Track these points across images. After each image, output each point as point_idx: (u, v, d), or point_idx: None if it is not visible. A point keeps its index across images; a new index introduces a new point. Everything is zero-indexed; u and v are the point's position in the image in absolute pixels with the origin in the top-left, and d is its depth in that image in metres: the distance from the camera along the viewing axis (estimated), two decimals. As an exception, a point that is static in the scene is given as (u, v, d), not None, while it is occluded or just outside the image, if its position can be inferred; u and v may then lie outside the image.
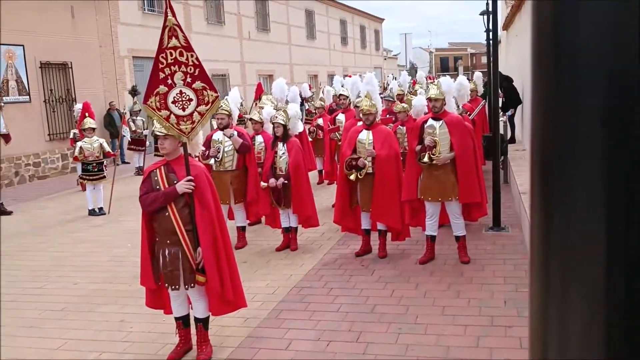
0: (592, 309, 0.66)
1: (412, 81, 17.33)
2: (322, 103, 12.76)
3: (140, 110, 15.11)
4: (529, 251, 0.74)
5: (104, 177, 10.83)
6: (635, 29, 0.62)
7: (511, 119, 14.26)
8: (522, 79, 14.18)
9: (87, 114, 10.97)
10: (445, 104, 6.69)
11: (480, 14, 18.39)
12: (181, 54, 4.52)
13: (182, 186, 4.51)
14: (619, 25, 0.62)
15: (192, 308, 4.85)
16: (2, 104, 11.50)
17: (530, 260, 0.74)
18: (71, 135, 13.43)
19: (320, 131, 11.65)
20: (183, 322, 4.84)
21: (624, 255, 0.64)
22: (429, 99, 6.75)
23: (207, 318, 4.84)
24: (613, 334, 0.65)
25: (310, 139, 11.47)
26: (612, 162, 0.64)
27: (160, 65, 4.53)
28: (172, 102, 4.56)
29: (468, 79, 14.49)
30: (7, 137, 11.47)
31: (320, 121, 11.86)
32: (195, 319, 4.82)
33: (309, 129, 11.67)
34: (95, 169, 10.69)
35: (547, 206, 0.70)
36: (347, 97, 10.96)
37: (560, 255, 0.68)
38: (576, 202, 0.66)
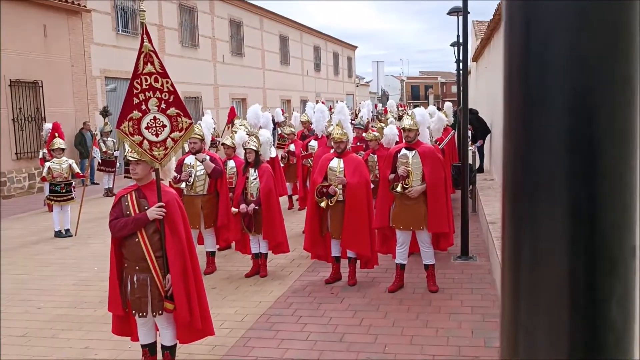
0: (557, 339, 0.69)
1: (383, 109, 17.54)
2: (293, 130, 12.84)
3: (111, 131, 15.00)
4: (500, 277, 0.76)
5: (72, 198, 10.67)
6: (602, 63, 0.65)
7: (480, 149, 14.51)
8: (492, 108, 14.48)
9: (56, 134, 10.84)
10: (418, 135, 6.81)
11: (451, 45, 18.85)
12: (156, 80, 4.54)
13: (153, 212, 4.48)
14: (586, 59, 0.65)
15: (159, 335, 4.79)
16: None
17: (502, 283, 0.75)
18: (40, 155, 13.22)
19: (292, 157, 11.72)
20: (150, 349, 4.78)
21: (585, 284, 0.67)
22: (403, 129, 6.85)
23: (175, 346, 4.79)
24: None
25: (282, 165, 11.52)
26: (577, 193, 0.67)
27: (135, 91, 4.53)
28: (146, 128, 4.55)
29: (438, 108, 14.76)
30: None
31: (292, 147, 11.94)
32: (162, 346, 4.76)
33: (281, 155, 11.72)
34: (64, 190, 10.53)
35: (516, 236, 0.72)
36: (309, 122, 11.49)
37: (529, 281, 0.70)
38: (542, 233, 0.69)
